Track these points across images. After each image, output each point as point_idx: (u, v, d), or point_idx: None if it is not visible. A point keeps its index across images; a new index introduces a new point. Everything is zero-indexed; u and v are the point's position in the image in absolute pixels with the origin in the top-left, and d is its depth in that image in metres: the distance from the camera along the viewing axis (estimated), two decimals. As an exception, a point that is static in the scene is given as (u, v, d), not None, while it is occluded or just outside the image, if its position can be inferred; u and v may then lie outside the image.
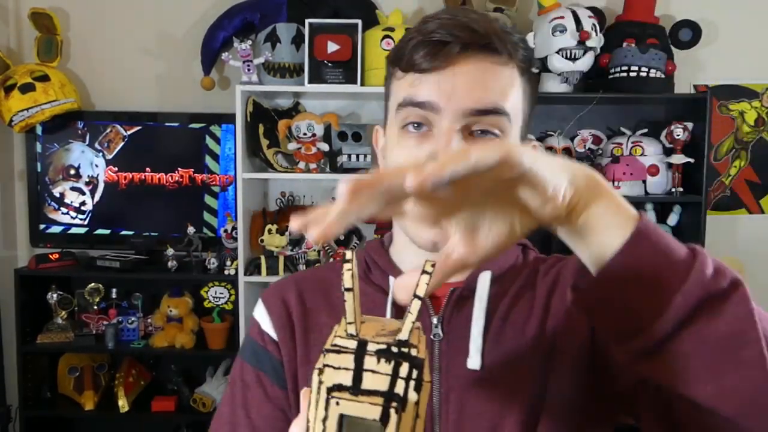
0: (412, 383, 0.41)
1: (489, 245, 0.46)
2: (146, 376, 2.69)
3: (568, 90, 2.45)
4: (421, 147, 0.66)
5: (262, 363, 0.76)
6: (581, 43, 2.34)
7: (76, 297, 2.62)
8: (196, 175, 2.63)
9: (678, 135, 2.42)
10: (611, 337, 0.50)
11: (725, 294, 0.45)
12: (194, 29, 2.67)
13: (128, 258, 2.56)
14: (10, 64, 2.56)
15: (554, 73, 2.42)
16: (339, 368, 0.41)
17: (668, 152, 2.47)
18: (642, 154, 2.47)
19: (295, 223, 0.40)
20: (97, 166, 2.65)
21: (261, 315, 0.79)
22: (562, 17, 2.37)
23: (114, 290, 2.60)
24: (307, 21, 2.38)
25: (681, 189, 2.44)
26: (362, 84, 2.38)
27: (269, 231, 2.42)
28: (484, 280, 0.73)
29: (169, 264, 2.49)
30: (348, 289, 0.43)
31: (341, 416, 0.41)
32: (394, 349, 0.41)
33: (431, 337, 0.71)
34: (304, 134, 2.44)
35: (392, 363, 0.41)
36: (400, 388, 0.41)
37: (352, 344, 0.42)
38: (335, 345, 0.42)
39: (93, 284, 2.58)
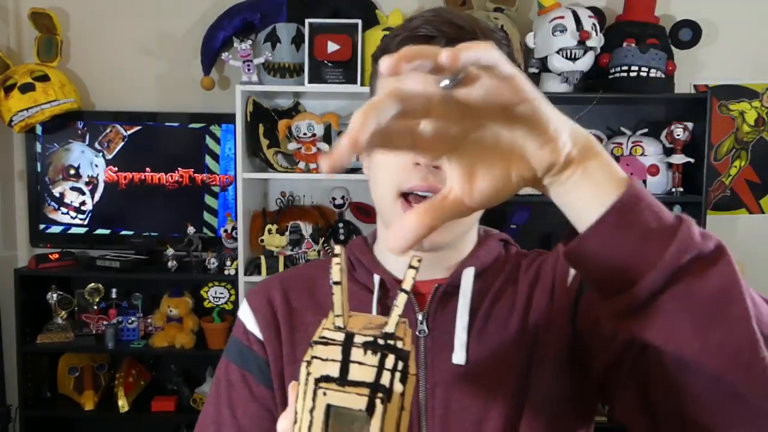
0: (397, 375, 0.42)
1: (485, 190, 0.46)
2: (146, 376, 2.69)
3: (568, 90, 2.45)
4: None
5: (248, 363, 0.76)
6: (581, 43, 2.34)
7: (76, 297, 2.62)
8: (196, 175, 2.63)
9: (678, 135, 2.42)
10: (600, 293, 0.51)
11: (712, 255, 0.47)
12: (194, 29, 2.67)
13: (128, 258, 2.56)
14: (10, 64, 2.56)
15: (554, 73, 2.42)
16: (326, 360, 0.42)
17: (668, 152, 2.47)
18: (642, 154, 2.47)
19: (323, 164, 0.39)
20: (97, 166, 2.65)
21: (246, 315, 0.79)
22: (562, 17, 2.37)
23: (114, 290, 2.60)
24: (307, 21, 2.38)
25: (681, 189, 2.44)
26: (362, 84, 2.38)
27: (269, 231, 2.42)
28: (468, 276, 0.74)
29: (169, 264, 2.49)
30: (336, 283, 0.44)
31: (328, 406, 0.42)
32: (381, 342, 0.42)
33: (416, 333, 0.72)
34: (304, 134, 2.44)
35: (378, 355, 0.42)
36: (386, 379, 0.42)
37: (340, 336, 0.43)
38: (323, 337, 0.43)
39: (93, 284, 2.58)
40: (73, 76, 2.67)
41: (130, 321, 2.55)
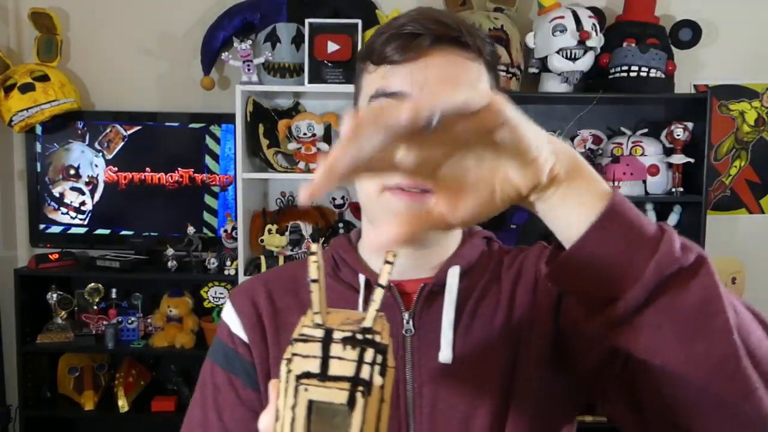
0: (377, 368, 0.43)
1: (469, 209, 0.46)
2: (146, 376, 2.69)
3: (568, 90, 2.45)
4: None
5: (234, 366, 0.76)
6: (581, 42, 2.34)
7: (76, 297, 2.62)
8: (196, 175, 2.63)
9: (678, 135, 2.42)
10: (584, 308, 0.52)
11: (692, 267, 0.47)
12: (194, 29, 2.67)
13: (128, 258, 2.56)
14: (10, 64, 2.56)
15: (554, 73, 2.42)
16: (307, 356, 0.43)
17: (668, 152, 2.47)
18: (642, 154, 2.47)
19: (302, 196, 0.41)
20: (96, 166, 2.65)
21: (230, 317, 0.78)
22: (562, 17, 2.37)
23: (114, 290, 2.60)
24: (307, 21, 2.38)
25: (681, 189, 2.44)
26: (362, 84, 2.38)
27: (269, 231, 2.42)
28: (453, 274, 0.74)
29: (169, 264, 2.49)
30: (314, 280, 0.45)
31: (310, 402, 0.42)
32: (359, 336, 0.43)
33: (403, 332, 0.72)
34: (304, 134, 2.44)
35: (357, 349, 0.43)
36: (365, 373, 0.42)
37: (319, 333, 0.43)
38: (303, 335, 0.44)
39: (93, 284, 2.58)
40: (73, 76, 2.67)
41: (130, 321, 2.55)
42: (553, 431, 0.74)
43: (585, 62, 2.38)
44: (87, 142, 2.64)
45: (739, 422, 0.50)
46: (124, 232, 2.66)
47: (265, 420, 0.47)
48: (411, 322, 0.72)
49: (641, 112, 2.66)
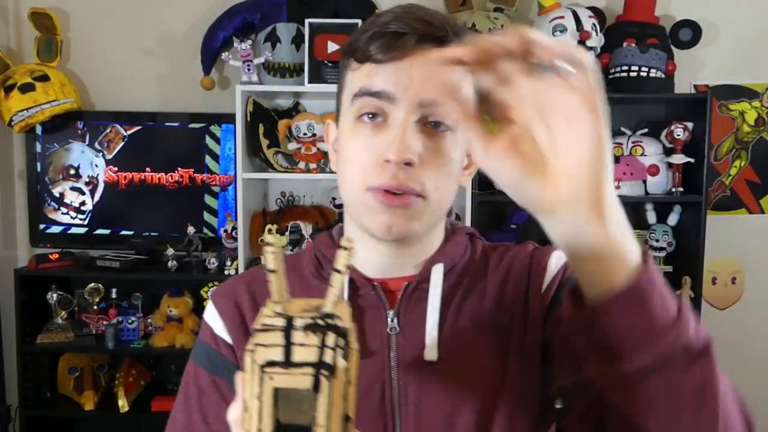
0: (339, 351, 0.43)
1: (499, 166, 0.49)
2: (146, 376, 2.69)
3: (568, 90, 2.45)
4: (376, 137, 0.67)
5: (218, 368, 0.75)
6: (581, 42, 2.34)
7: (76, 297, 2.62)
8: (196, 175, 2.63)
9: (678, 135, 2.42)
10: (592, 357, 0.53)
11: (699, 351, 0.50)
12: (194, 29, 2.67)
13: (128, 258, 2.56)
14: (10, 64, 2.56)
15: (554, 73, 2.42)
16: (269, 345, 0.43)
17: (668, 152, 2.47)
18: (642, 154, 2.47)
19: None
20: (97, 166, 2.65)
21: (213, 319, 0.77)
22: (562, 17, 2.37)
23: (114, 290, 2.60)
24: (307, 21, 2.38)
25: (681, 189, 2.44)
26: (362, 84, 2.38)
27: (269, 231, 2.42)
28: (438, 272, 0.74)
29: (169, 264, 2.49)
30: (271, 270, 0.46)
31: (276, 390, 0.43)
32: (320, 322, 0.44)
33: (387, 330, 0.72)
34: (304, 134, 2.44)
35: (319, 334, 0.43)
36: (328, 356, 0.43)
37: (280, 322, 0.44)
38: (264, 324, 0.44)
39: (93, 284, 2.58)
40: (73, 76, 2.67)
41: (130, 321, 2.55)
42: None
43: (585, 62, 2.38)
44: (87, 142, 2.64)
45: None
46: (124, 232, 2.66)
47: (233, 412, 0.47)
48: (395, 320, 0.72)
49: (641, 112, 2.66)
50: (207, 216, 2.64)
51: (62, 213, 2.66)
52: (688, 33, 2.55)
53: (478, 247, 0.80)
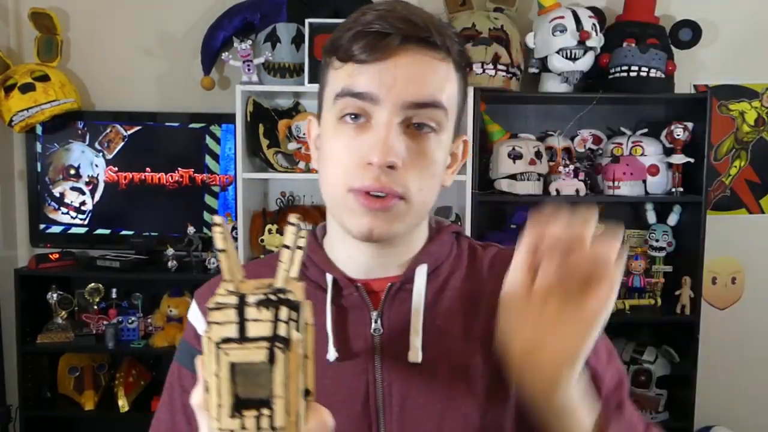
0: (293, 324, 0.44)
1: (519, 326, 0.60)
2: (146, 376, 2.69)
3: (568, 90, 2.45)
4: (359, 138, 0.66)
5: None
6: (581, 43, 2.34)
7: (76, 297, 2.62)
8: (196, 174, 2.63)
9: (678, 135, 2.42)
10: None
11: None
12: (194, 29, 2.67)
13: (128, 258, 2.56)
14: (10, 64, 2.56)
15: (554, 73, 2.42)
16: (224, 323, 0.44)
17: (668, 152, 2.47)
18: (642, 154, 2.47)
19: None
20: (97, 166, 2.65)
21: (196, 318, 0.77)
22: (562, 17, 2.37)
23: (114, 290, 2.60)
24: (307, 21, 2.38)
25: (681, 189, 2.44)
26: (362, 84, 2.38)
27: (269, 231, 2.42)
28: (421, 273, 0.73)
29: (169, 264, 2.49)
30: (221, 250, 0.46)
31: (232, 365, 0.44)
32: (273, 297, 0.45)
33: (371, 331, 0.71)
34: (304, 134, 2.43)
35: (272, 309, 0.44)
36: (282, 330, 0.44)
37: (233, 300, 0.45)
38: (217, 303, 0.45)
39: (93, 284, 2.58)
40: (73, 76, 2.67)
41: (130, 321, 2.55)
42: None
43: (585, 62, 2.38)
44: (87, 142, 2.64)
45: None
46: (124, 232, 2.66)
47: (196, 395, 0.47)
48: (379, 321, 0.71)
49: (641, 112, 2.66)
50: (207, 216, 2.64)
51: (62, 213, 2.66)
52: (688, 33, 2.56)
53: (464, 246, 0.79)
